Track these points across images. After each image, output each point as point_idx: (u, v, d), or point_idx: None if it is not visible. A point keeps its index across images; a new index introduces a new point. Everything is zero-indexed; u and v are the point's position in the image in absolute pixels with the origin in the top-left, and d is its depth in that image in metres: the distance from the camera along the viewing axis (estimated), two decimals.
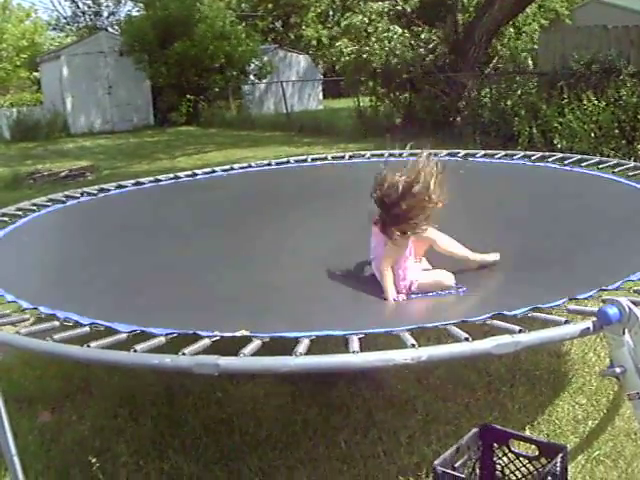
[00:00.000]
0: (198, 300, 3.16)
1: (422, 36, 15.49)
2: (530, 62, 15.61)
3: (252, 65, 25.66)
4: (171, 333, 2.39)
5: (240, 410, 3.70)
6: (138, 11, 34.67)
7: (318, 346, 2.22)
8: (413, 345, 2.03)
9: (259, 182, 6.05)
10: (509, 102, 12.69)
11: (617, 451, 3.13)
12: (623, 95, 10.58)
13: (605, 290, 2.59)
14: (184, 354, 2.10)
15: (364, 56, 16.07)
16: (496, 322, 2.27)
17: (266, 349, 2.19)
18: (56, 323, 2.61)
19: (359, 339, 2.16)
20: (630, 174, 4.76)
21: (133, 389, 4.01)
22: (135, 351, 2.16)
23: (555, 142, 10.76)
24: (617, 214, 4.09)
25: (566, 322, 2.17)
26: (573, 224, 3.87)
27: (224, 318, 2.80)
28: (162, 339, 2.32)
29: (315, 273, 3.45)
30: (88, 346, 2.23)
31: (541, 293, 2.59)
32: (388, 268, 3.06)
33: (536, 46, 15.71)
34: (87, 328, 2.53)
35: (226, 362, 2.00)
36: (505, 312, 2.34)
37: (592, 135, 10.39)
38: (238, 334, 2.37)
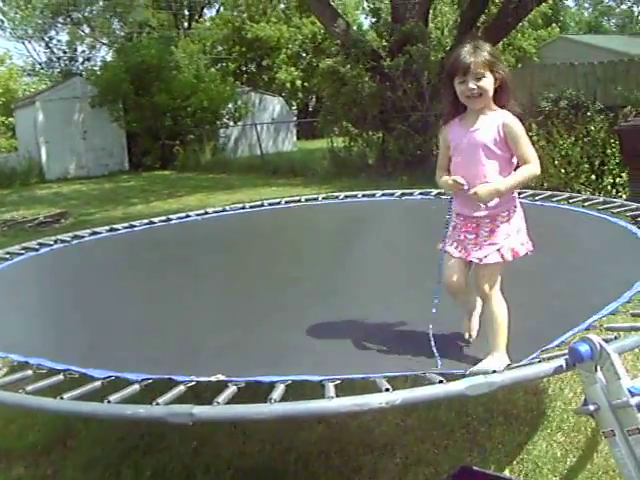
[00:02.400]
0: (173, 343, 3.16)
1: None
2: None
3: (226, 108, 25.84)
4: (146, 379, 2.38)
5: (218, 458, 3.66)
6: (113, 56, 35.02)
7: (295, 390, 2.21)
8: (387, 389, 2.03)
9: (233, 226, 6.07)
10: None
11: None
12: (591, 131, 10.75)
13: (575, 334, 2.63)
14: (158, 404, 2.08)
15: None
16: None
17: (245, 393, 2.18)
18: (29, 372, 2.59)
19: (335, 385, 2.15)
20: (600, 208, 4.85)
21: (110, 439, 3.96)
22: (109, 402, 2.14)
23: None
24: (580, 247, 4.17)
25: (539, 361, 2.19)
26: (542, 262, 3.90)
27: (200, 361, 2.81)
28: (136, 386, 2.31)
29: (291, 315, 3.46)
30: (61, 398, 2.21)
31: (513, 343, 2.61)
32: None
33: None
34: (61, 376, 2.51)
35: (200, 411, 1.99)
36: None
37: (562, 171, 10.53)
38: (213, 379, 2.37)
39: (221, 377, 2.36)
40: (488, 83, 2.62)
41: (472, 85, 2.60)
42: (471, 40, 2.72)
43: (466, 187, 2.66)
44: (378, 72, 15.57)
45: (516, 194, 2.75)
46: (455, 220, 2.79)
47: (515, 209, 2.72)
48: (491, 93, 2.64)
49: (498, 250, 2.64)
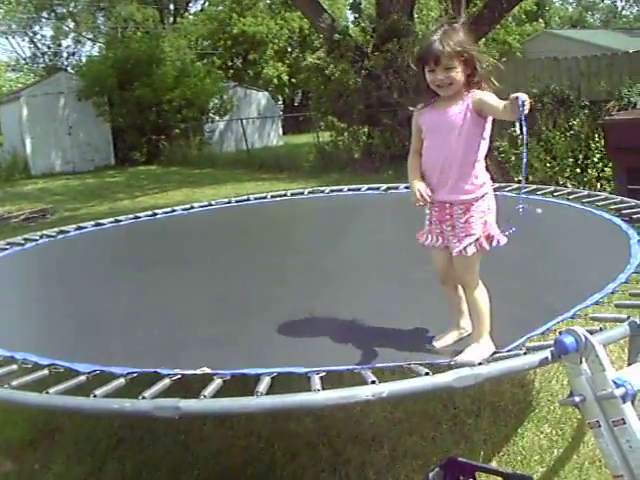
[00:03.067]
0: (159, 337, 3.15)
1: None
2: None
3: (212, 103, 25.77)
4: (131, 373, 2.38)
5: (206, 452, 3.65)
6: (98, 51, 34.85)
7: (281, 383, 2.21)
8: (373, 382, 2.03)
9: (219, 220, 6.06)
10: None
11: (582, 479, 3.14)
12: (574, 125, 10.78)
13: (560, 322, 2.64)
14: (144, 397, 2.07)
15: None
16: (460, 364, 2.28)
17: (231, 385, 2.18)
18: (14, 367, 2.58)
19: (320, 377, 2.15)
20: (584, 201, 4.88)
21: (97, 433, 3.94)
22: (94, 396, 2.13)
23: (511, 174, 10.90)
24: (565, 239, 4.20)
25: (525, 353, 2.19)
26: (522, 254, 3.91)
27: (186, 354, 2.80)
28: (122, 380, 2.31)
29: (276, 308, 3.45)
30: (47, 392, 2.20)
31: (499, 331, 2.61)
32: None
33: None
34: (46, 370, 2.50)
35: (186, 405, 1.98)
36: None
37: (547, 165, 10.56)
38: (199, 372, 2.36)
39: (207, 370, 2.36)
40: (458, 73, 2.57)
41: (441, 76, 2.58)
42: (443, 26, 2.64)
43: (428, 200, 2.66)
44: (362, 68, 15.55)
45: (489, 183, 2.71)
46: (429, 211, 2.76)
47: (488, 196, 2.68)
48: (462, 81, 2.60)
49: (476, 240, 2.62)
